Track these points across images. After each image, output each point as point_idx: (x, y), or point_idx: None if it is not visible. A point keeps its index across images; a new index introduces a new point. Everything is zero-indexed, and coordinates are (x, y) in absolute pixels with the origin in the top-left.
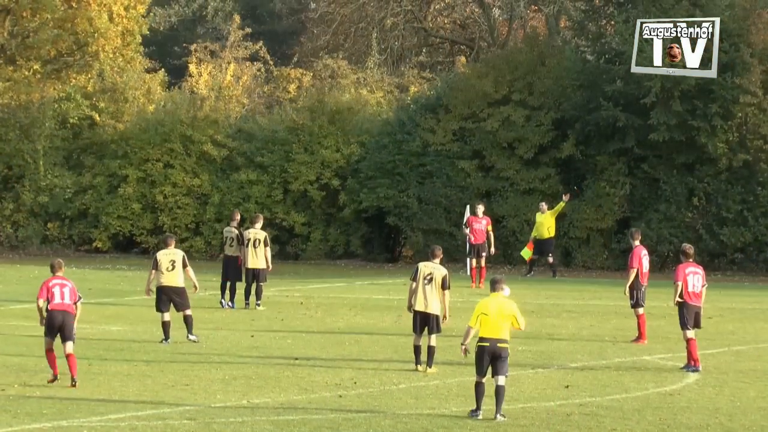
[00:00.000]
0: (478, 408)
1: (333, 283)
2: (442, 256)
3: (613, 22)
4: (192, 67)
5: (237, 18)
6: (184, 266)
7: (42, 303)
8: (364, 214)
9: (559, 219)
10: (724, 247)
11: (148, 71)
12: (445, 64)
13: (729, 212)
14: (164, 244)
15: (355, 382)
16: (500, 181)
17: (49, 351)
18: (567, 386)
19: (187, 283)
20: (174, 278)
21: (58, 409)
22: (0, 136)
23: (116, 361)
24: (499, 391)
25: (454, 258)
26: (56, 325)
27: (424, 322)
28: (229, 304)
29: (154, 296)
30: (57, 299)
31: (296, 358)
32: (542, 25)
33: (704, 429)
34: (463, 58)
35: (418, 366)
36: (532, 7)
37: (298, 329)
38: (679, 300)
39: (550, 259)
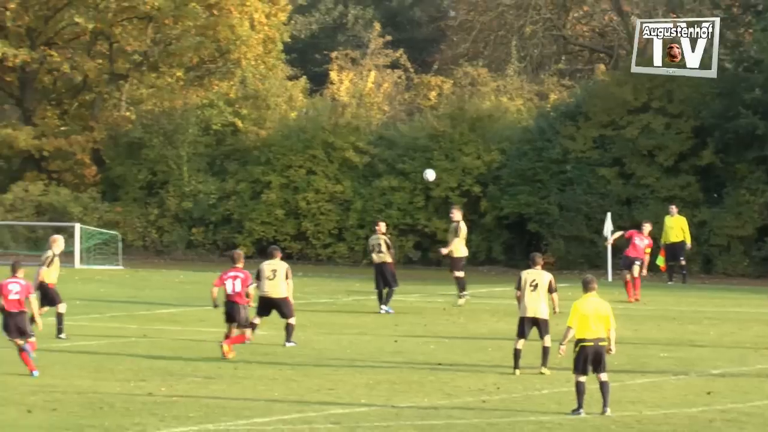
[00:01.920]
0: (580, 406)
1: (475, 289)
2: (543, 263)
3: (751, 31)
4: (333, 75)
5: (377, 26)
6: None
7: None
8: (506, 220)
9: (700, 226)
10: None
11: (289, 78)
12: (584, 72)
13: None
14: (270, 256)
15: (498, 387)
16: (640, 188)
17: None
18: (709, 393)
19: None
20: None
21: (204, 412)
22: (144, 143)
23: (261, 364)
24: (604, 387)
25: (595, 264)
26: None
27: (532, 327)
28: (384, 308)
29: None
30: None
31: (439, 363)
32: None
33: None
34: (602, 66)
35: (517, 370)
36: (671, 14)
37: (441, 335)
38: None
39: (682, 262)
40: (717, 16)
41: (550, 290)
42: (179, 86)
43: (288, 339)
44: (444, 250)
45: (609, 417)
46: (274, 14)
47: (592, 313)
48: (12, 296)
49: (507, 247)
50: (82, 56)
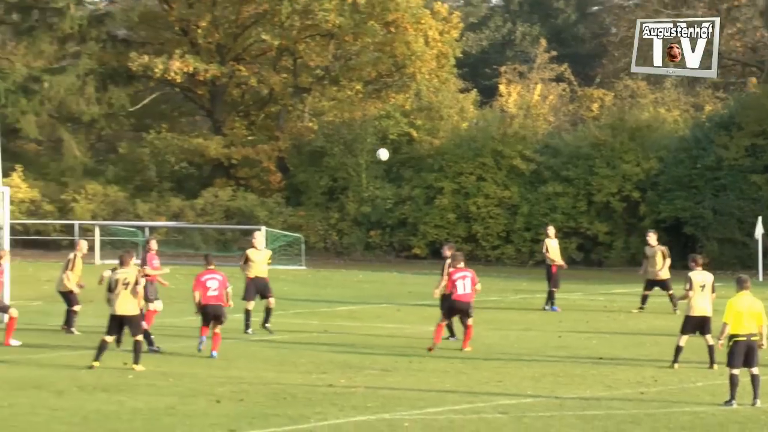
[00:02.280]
0: (732, 398)
1: (633, 289)
2: (702, 263)
3: None
4: (502, 88)
5: (543, 42)
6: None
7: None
8: (663, 224)
9: None
10: None
11: (461, 91)
12: (737, 85)
13: None
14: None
15: (656, 380)
16: None
17: None
18: None
19: None
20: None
21: (381, 402)
22: (325, 151)
23: (434, 358)
24: (755, 380)
25: (747, 265)
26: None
27: (699, 326)
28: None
29: None
30: None
31: (600, 357)
32: None
33: None
34: (754, 79)
35: (675, 364)
36: None
37: (602, 331)
38: None
39: None
40: None
41: (713, 290)
42: (358, 99)
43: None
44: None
45: (759, 408)
46: (447, 31)
47: (746, 310)
48: (211, 292)
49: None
50: (269, 71)
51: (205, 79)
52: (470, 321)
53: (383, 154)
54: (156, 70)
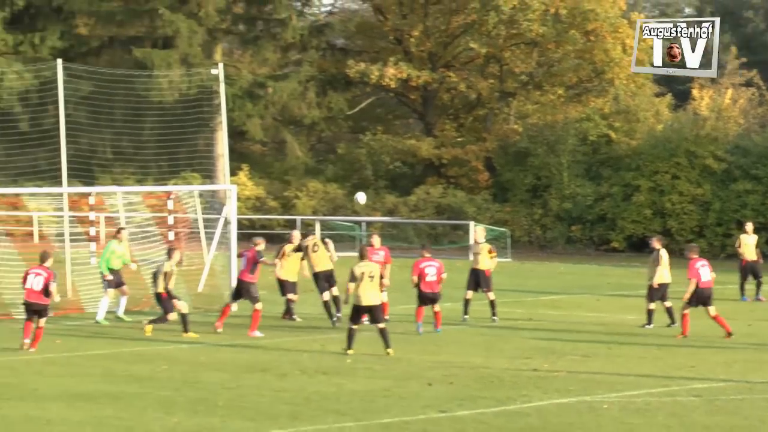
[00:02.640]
0: None
1: None
2: None
3: None
4: (695, 92)
5: (734, 49)
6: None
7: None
8: None
9: None
10: None
11: (656, 95)
12: None
13: None
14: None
15: None
16: None
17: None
18: None
19: None
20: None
21: (582, 386)
22: (530, 152)
23: (632, 345)
24: None
25: None
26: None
27: None
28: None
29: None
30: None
31: None
32: None
33: None
34: None
35: None
36: None
37: None
38: None
39: None
40: None
41: None
42: (560, 102)
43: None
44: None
45: None
46: (643, 39)
47: None
48: (429, 278)
49: None
50: (476, 77)
51: (417, 85)
52: (712, 309)
53: (361, 198)
54: (372, 77)
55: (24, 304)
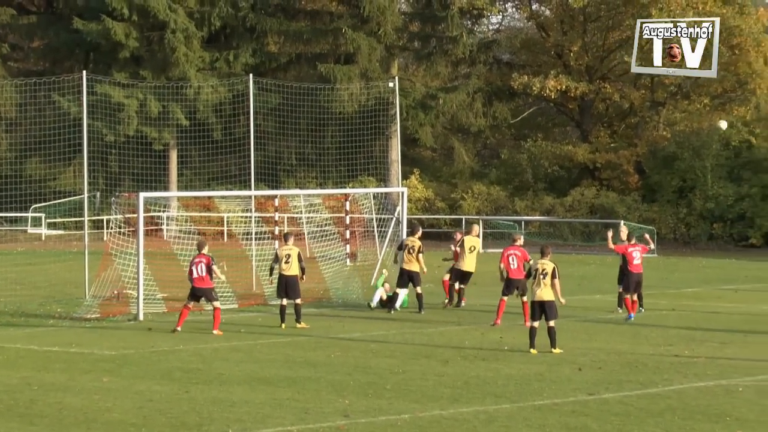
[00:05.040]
0: None
1: None
2: None
3: None
4: None
5: None
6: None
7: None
8: None
9: None
10: None
11: None
12: None
13: None
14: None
15: None
16: None
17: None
18: None
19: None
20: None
21: (719, 371)
22: (677, 156)
23: (766, 333)
24: None
25: None
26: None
27: None
28: None
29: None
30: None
31: None
32: None
33: None
34: None
35: None
36: None
37: None
38: None
39: None
40: None
41: None
42: (706, 111)
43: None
44: None
45: None
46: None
47: None
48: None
49: None
50: (630, 88)
51: (575, 96)
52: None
53: (723, 124)
54: (534, 88)
55: (191, 290)
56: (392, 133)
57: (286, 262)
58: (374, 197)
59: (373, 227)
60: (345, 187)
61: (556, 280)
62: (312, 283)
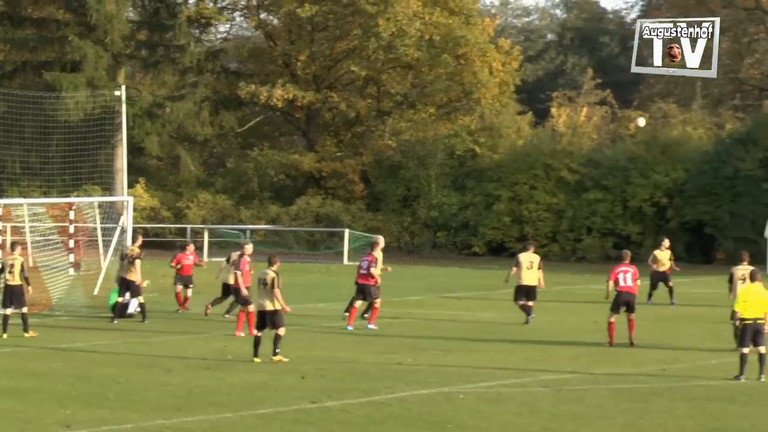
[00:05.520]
0: (741, 373)
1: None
2: (749, 259)
3: None
4: (553, 110)
5: (590, 71)
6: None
7: None
8: (687, 225)
9: None
10: None
11: (518, 113)
12: (754, 107)
13: None
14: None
15: (676, 359)
16: None
17: None
18: None
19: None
20: None
21: (441, 378)
22: (402, 165)
23: (488, 341)
24: (762, 358)
25: (758, 261)
26: None
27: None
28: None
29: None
30: None
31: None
32: None
33: None
34: None
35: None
36: None
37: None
38: None
39: None
40: None
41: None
42: (431, 120)
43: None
44: None
45: (764, 383)
46: (508, 63)
47: (753, 298)
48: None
49: (688, 247)
50: (356, 97)
51: (302, 105)
52: (632, 315)
53: (641, 121)
54: (261, 97)
55: None
56: (118, 142)
57: (10, 272)
58: (99, 206)
59: (98, 236)
60: (69, 196)
61: (277, 290)
62: (36, 292)
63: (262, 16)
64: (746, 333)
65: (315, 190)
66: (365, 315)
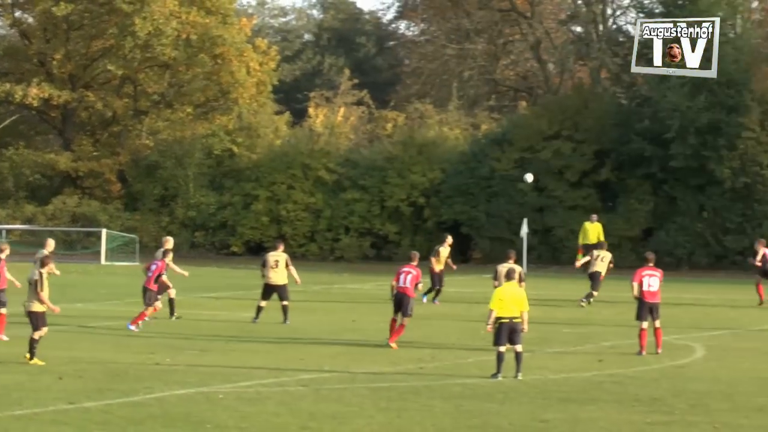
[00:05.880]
0: (498, 371)
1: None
2: (515, 257)
3: (642, 74)
4: (311, 110)
5: (347, 71)
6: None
7: None
8: (443, 225)
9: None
10: (727, 251)
11: (276, 113)
12: (509, 107)
13: (731, 223)
14: (273, 248)
15: (433, 357)
16: (551, 199)
17: None
18: (600, 360)
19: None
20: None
21: (200, 378)
22: (160, 164)
23: (246, 341)
24: (518, 357)
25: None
26: None
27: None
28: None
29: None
30: None
31: (387, 338)
32: (587, 76)
33: (708, 395)
34: (524, 102)
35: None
36: (579, 62)
37: (390, 314)
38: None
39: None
40: (616, 63)
41: (520, 280)
42: (189, 120)
43: (286, 318)
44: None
45: (520, 380)
46: (265, 63)
47: (509, 297)
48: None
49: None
50: (113, 96)
51: (58, 104)
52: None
53: (529, 177)
54: (16, 96)
55: None
56: None
57: None
58: None
59: None
60: None
61: (42, 292)
62: None
63: (17, 14)
64: (502, 331)
65: (72, 190)
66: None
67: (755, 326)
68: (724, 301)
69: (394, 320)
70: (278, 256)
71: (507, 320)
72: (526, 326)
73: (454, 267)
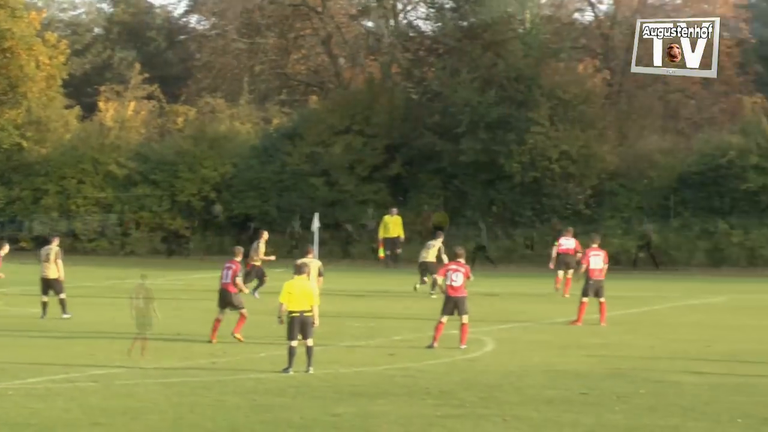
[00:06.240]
0: (290, 366)
1: (209, 274)
2: (314, 252)
3: (433, 69)
4: (101, 104)
5: (137, 65)
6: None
7: None
8: (235, 219)
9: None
10: (517, 245)
11: (66, 107)
12: (300, 102)
13: (521, 217)
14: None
15: (225, 352)
16: (342, 193)
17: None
18: (391, 354)
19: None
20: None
21: None
22: None
23: (34, 336)
24: (309, 351)
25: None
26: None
27: None
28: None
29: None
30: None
31: (179, 333)
32: (377, 71)
33: (498, 387)
34: (315, 97)
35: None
36: (370, 56)
37: (182, 309)
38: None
39: (398, 251)
40: (406, 58)
41: (320, 274)
42: None
43: (64, 311)
44: None
45: (311, 375)
46: (55, 56)
47: (299, 291)
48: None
49: (236, 242)
50: None
51: None
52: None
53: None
54: None
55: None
56: None
57: None
58: None
59: None
60: None
61: None
62: None
63: None
64: (294, 325)
65: None
66: None
67: (546, 319)
68: (514, 294)
69: (218, 320)
70: (50, 249)
71: (297, 314)
72: (317, 320)
73: (273, 258)
